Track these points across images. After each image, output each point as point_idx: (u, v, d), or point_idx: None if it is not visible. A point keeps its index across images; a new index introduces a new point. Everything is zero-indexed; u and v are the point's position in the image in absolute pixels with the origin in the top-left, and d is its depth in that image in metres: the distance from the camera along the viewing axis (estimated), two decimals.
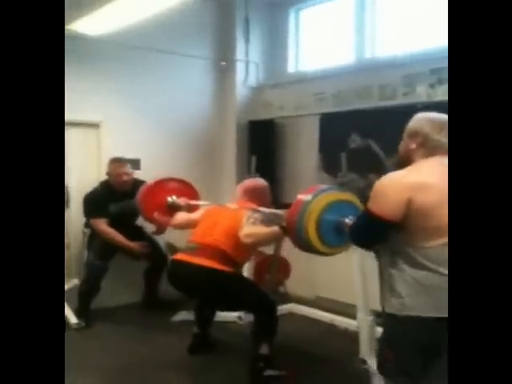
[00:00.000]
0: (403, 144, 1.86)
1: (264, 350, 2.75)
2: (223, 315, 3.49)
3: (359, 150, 3.80)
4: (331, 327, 3.54)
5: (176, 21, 4.13)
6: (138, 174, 4.25)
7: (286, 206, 3.51)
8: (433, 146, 1.74)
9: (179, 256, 2.80)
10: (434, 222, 1.67)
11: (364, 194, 2.17)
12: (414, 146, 1.79)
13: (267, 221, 2.62)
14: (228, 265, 2.66)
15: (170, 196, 3.39)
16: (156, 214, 3.37)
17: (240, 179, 4.60)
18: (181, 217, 3.11)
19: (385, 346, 1.89)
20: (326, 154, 4.12)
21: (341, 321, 3.53)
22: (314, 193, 2.07)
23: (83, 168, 3.73)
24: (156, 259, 3.90)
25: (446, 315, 1.67)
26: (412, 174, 1.71)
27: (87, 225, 3.71)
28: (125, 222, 3.69)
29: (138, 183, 3.67)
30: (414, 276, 1.72)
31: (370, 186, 2.33)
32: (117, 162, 3.72)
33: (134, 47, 4.11)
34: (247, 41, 4.72)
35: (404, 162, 1.82)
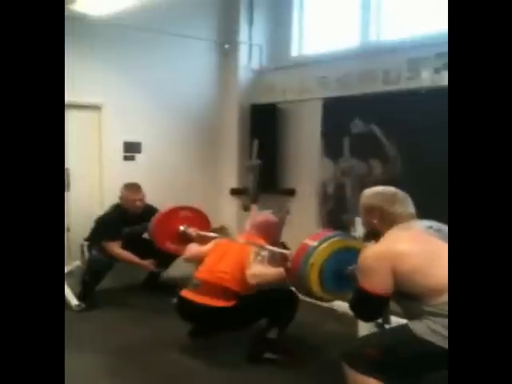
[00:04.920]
0: (365, 219, 1.99)
1: (273, 334, 2.80)
2: None
3: (362, 135, 3.77)
4: (330, 311, 3.56)
5: (179, 1, 4.07)
6: (139, 157, 4.25)
7: (287, 191, 3.51)
8: (391, 218, 1.86)
9: (184, 293, 2.88)
10: (415, 287, 1.76)
11: (364, 180, 2.16)
12: (375, 220, 1.92)
13: (273, 259, 2.69)
14: (230, 299, 2.72)
15: (182, 225, 3.59)
16: (168, 244, 3.59)
17: (241, 163, 4.59)
18: (194, 249, 3.19)
19: (374, 347, 1.88)
20: (329, 139, 4.09)
21: (339, 305, 3.54)
22: (319, 239, 2.15)
23: (84, 151, 3.71)
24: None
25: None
26: (389, 244, 1.82)
27: (91, 245, 3.74)
28: (137, 241, 3.84)
29: (148, 207, 3.85)
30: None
31: (370, 171, 2.34)
32: (131, 188, 3.82)
33: (137, 28, 4.05)
34: (251, 23, 4.65)
35: (373, 234, 1.96)
